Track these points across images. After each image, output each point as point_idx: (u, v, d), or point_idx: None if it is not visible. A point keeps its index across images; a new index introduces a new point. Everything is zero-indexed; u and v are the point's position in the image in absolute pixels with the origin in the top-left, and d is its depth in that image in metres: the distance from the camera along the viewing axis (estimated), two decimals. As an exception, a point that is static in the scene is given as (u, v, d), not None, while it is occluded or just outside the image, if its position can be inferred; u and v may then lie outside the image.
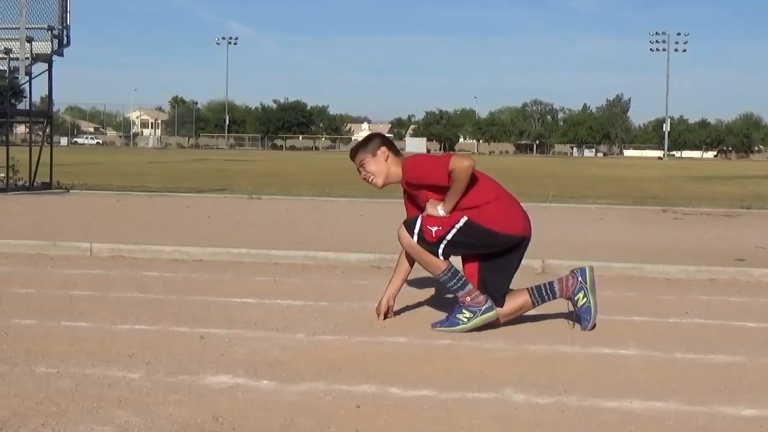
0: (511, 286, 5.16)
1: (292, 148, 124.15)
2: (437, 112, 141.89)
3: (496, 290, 5.06)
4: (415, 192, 5.11)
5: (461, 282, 5.01)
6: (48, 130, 17.81)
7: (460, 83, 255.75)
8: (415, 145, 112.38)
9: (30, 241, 8.22)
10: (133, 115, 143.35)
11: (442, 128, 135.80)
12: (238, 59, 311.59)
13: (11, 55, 15.95)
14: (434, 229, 4.94)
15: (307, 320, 5.29)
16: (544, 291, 5.15)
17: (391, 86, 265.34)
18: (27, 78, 16.45)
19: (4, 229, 9.36)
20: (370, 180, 5.21)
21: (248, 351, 4.48)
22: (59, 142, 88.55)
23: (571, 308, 5.17)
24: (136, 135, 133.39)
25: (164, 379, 3.91)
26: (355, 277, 6.99)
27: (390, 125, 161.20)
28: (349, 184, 21.01)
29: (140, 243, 8.19)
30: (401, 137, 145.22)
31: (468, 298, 5.00)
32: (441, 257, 4.98)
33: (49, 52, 16.33)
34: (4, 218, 10.79)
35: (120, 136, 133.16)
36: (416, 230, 4.96)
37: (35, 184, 16.73)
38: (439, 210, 4.94)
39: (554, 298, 5.17)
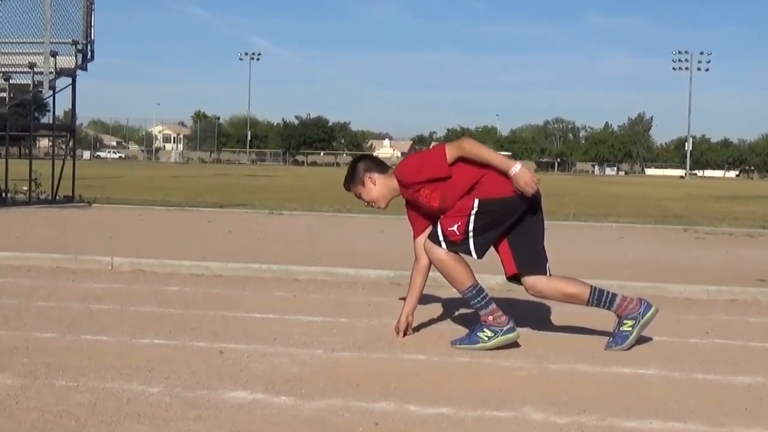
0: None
1: (314, 164, 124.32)
2: (459, 129, 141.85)
3: (534, 268, 5.02)
4: (415, 195, 5.07)
5: (485, 300, 4.99)
6: (71, 143, 17.98)
7: (482, 100, 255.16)
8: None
9: (52, 255, 8.27)
10: (156, 130, 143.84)
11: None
12: (260, 74, 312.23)
13: (35, 69, 16.09)
14: (455, 226, 4.90)
15: (327, 336, 5.29)
16: (604, 297, 5.10)
17: (413, 103, 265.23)
18: (51, 92, 16.61)
19: (27, 242, 9.42)
20: (372, 206, 5.32)
21: (267, 367, 4.48)
22: (82, 156, 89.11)
23: (615, 326, 5.14)
24: (158, 149, 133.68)
25: (183, 394, 3.92)
26: (374, 294, 6.99)
27: (411, 141, 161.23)
28: (370, 200, 20.99)
29: (161, 257, 8.22)
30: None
31: (490, 317, 4.98)
32: (475, 254, 4.93)
33: (73, 67, 16.49)
34: (26, 231, 10.86)
35: (142, 151, 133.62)
36: (441, 237, 4.94)
37: (58, 197, 16.85)
38: (515, 169, 4.82)
39: (608, 309, 5.11)
